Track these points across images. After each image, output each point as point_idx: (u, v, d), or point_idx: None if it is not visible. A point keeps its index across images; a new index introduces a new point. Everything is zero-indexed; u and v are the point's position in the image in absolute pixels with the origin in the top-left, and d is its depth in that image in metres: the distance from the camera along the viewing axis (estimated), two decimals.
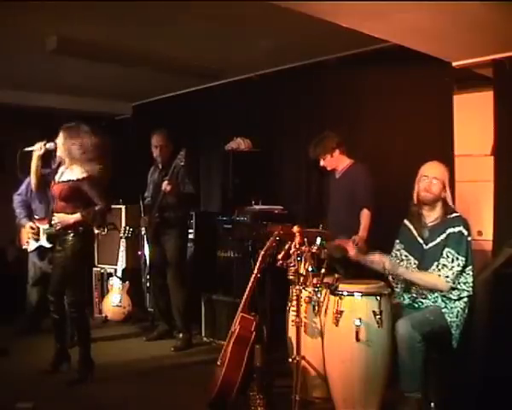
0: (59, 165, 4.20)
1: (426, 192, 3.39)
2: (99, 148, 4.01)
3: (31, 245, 4.98)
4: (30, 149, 4.24)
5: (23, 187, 5.07)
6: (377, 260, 3.42)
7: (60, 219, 4.00)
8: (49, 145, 4.15)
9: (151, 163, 5.37)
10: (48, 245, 4.67)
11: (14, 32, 4.36)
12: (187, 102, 6.59)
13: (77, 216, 3.96)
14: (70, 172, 4.04)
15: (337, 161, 4.47)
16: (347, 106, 5.00)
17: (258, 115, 5.82)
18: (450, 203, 3.40)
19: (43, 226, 4.79)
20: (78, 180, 3.98)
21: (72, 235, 3.98)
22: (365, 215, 4.25)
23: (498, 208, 3.84)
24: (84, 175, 3.97)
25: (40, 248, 4.90)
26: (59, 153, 4.10)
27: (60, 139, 4.06)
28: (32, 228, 4.92)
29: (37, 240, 4.89)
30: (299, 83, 5.42)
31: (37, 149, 4.18)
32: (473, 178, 4.16)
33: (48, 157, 4.33)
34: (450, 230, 3.28)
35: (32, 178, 4.31)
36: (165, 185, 4.88)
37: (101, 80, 5.98)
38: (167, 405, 3.75)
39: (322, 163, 4.51)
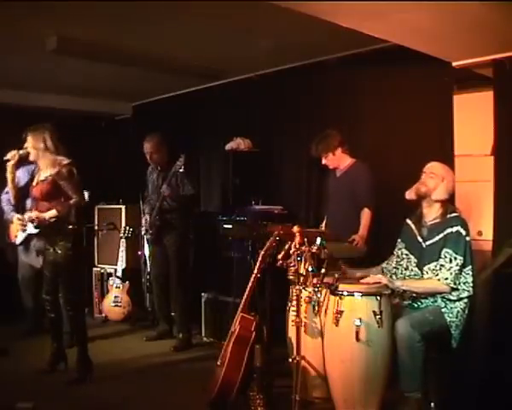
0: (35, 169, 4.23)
1: (420, 185, 3.43)
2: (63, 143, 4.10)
3: (19, 237, 5.05)
4: (5, 159, 4.22)
5: None
6: (371, 280, 3.42)
7: (35, 216, 4.04)
8: (22, 152, 4.15)
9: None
10: (34, 231, 4.63)
11: (14, 32, 4.36)
12: (187, 102, 6.58)
13: (52, 212, 3.99)
14: (45, 171, 4.06)
15: (339, 160, 4.47)
16: (347, 106, 5.00)
17: (258, 115, 5.82)
18: (438, 198, 3.39)
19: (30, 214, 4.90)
20: (55, 174, 4.00)
21: (61, 234, 4.00)
22: (366, 214, 4.26)
23: (498, 208, 3.84)
24: (57, 169, 4.01)
25: (27, 239, 4.95)
26: (31, 157, 4.11)
27: (28, 143, 4.08)
28: (18, 219, 4.95)
29: (24, 230, 4.94)
30: (299, 83, 5.42)
31: (11, 157, 4.17)
32: (473, 178, 4.15)
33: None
34: (448, 229, 3.29)
35: (10, 190, 4.29)
36: (165, 190, 4.89)
37: (101, 80, 5.98)
38: (167, 405, 3.75)
39: (324, 162, 4.50)
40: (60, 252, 4.02)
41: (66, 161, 4.03)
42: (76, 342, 4.21)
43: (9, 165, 4.15)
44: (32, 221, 4.07)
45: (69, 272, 4.08)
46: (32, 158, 4.13)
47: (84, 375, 4.08)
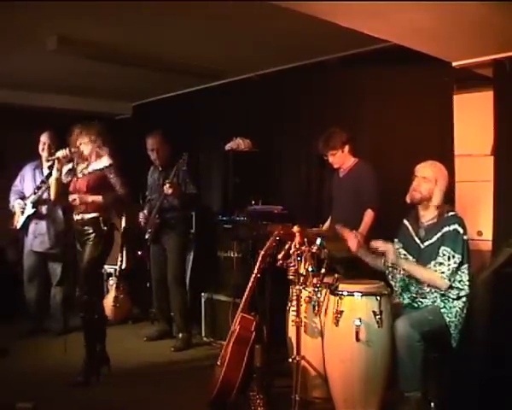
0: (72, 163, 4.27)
1: (414, 191, 3.43)
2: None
3: (19, 221, 5.28)
4: (54, 157, 4.23)
5: (17, 178, 5.44)
6: (381, 246, 3.41)
7: (79, 197, 4.03)
8: (74, 150, 4.14)
9: (151, 163, 5.38)
10: (31, 211, 5.10)
11: (14, 32, 4.36)
12: (187, 102, 6.59)
13: (97, 197, 4.02)
14: (96, 164, 4.12)
15: (344, 159, 4.43)
16: (347, 106, 5.00)
17: (258, 115, 5.82)
18: (437, 203, 3.39)
19: (30, 199, 5.22)
20: (105, 168, 4.08)
21: (93, 236, 4.00)
22: (368, 215, 4.24)
23: (498, 208, 3.84)
24: (111, 162, 4.09)
25: (27, 222, 5.24)
26: (87, 152, 4.14)
27: (84, 138, 4.13)
28: (19, 204, 5.28)
29: (23, 213, 5.25)
30: (299, 83, 5.42)
31: (62, 156, 4.15)
32: (473, 178, 4.15)
33: None
34: (446, 228, 3.29)
35: (53, 188, 4.28)
36: (167, 188, 4.88)
37: (101, 80, 5.99)
38: (167, 405, 3.75)
39: (330, 160, 4.46)
40: (91, 253, 4.02)
41: (113, 158, 4.11)
42: (95, 341, 4.14)
43: (58, 164, 4.16)
44: (74, 200, 4.06)
45: (95, 272, 4.10)
46: (86, 152, 4.15)
47: (89, 377, 4.03)
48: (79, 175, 4.15)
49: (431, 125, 4.41)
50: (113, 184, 4.08)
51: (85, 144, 4.14)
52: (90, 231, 4.02)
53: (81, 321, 4.12)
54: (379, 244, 3.44)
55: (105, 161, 4.11)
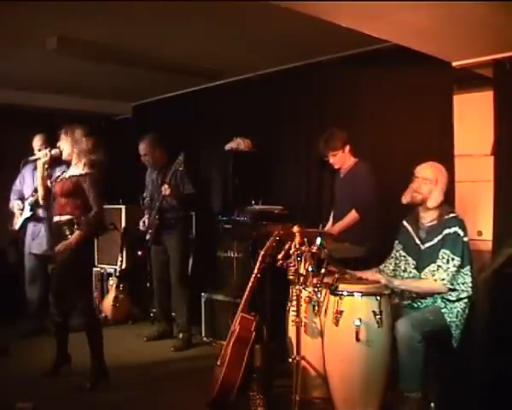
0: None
1: (414, 192, 3.42)
2: (97, 145, 4.10)
3: (18, 222, 5.32)
4: (34, 157, 4.28)
5: (18, 178, 5.45)
6: (371, 279, 3.42)
7: (62, 246, 3.94)
8: (55, 151, 4.11)
9: None
10: (29, 213, 5.14)
11: (14, 32, 4.36)
12: (187, 102, 6.59)
13: (76, 234, 3.90)
14: (74, 169, 4.04)
15: (345, 159, 4.43)
16: (347, 106, 5.00)
17: (258, 115, 5.82)
18: (437, 203, 3.38)
19: (28, 201, 5.25)
20: (80, 175, 3.97)
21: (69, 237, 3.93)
22: (351, 215, 4.25)
23: (498, 208, 3.84)
24: (87, 171, 3.98)
25: (25, 223, 5.27)
26: (65, 155, 4.07)
27: (64, 140, 4.05)
28: (18, 205, 5.31)
29: (21, 214, 5.29)
30: (299, 83, 5.42)
31: (43, 156, 4.15)
32: (473, 178, 4.16)
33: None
34: (446, 230, 3.28)
35: (40, 189, 4.27)
36: (165, 190, 4.89)
37: (101, 80, 5.99)
38: (167, 405, 3.75)
39: (331, 160, 4.45)
40: (69, 258, 3.95)
41: (92, 167, 4.00)
42: (90, 348, 4.08)
43: (40, 164, 4.14)
44: (59, 251, 3.98)
45: (77, 276, 4.03)
46: (64, 157, 4.09)
47: (97, 383, 3.96)
48: (59, 179, 4.07)
49: (431, 126, 4.41)
50: (87, 197, 3.95)
51: (65, 146, 4.05)
52: (67, 232, 3.94)
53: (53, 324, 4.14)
54: (368, 275, 3.47)
55: (80, 169, 3.99)
